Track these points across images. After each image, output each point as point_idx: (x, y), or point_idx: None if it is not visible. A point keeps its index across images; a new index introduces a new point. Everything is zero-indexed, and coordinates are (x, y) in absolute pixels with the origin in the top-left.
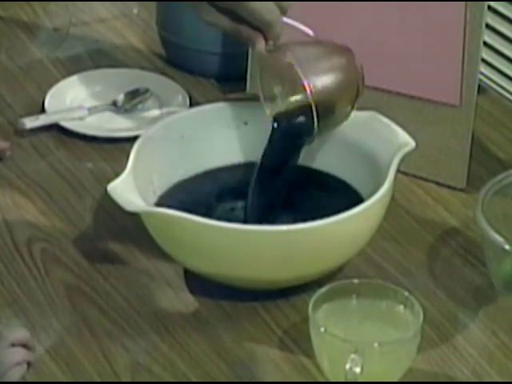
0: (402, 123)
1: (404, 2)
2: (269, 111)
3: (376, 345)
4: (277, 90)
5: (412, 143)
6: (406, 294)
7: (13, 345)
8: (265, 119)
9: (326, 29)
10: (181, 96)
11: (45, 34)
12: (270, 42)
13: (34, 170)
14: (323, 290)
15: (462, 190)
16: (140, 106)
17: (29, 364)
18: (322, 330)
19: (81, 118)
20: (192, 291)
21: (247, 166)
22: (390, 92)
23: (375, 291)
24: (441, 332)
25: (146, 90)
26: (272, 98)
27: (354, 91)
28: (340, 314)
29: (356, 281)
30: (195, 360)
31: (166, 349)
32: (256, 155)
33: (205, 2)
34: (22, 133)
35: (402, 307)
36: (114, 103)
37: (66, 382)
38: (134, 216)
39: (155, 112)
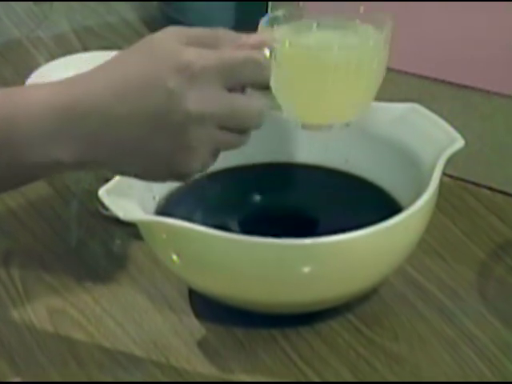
0: (449, 117)
1: None
2: None
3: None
4: None
5: (460, 141)
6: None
7: None
8: (276, 118)
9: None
10: None
11: (24, 8)
12: None
13: None
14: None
15: None
16: None
17: None
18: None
19: None
20: (198, 315)
21: (256, 168)
22: (434, 80)
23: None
24: (493, 365)
25: None
26: None
27: None
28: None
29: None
30: None
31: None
32: (264, 156)
33: None
34: None
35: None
36: None
37: (65, 381)
38: (131, 226)
39: None
